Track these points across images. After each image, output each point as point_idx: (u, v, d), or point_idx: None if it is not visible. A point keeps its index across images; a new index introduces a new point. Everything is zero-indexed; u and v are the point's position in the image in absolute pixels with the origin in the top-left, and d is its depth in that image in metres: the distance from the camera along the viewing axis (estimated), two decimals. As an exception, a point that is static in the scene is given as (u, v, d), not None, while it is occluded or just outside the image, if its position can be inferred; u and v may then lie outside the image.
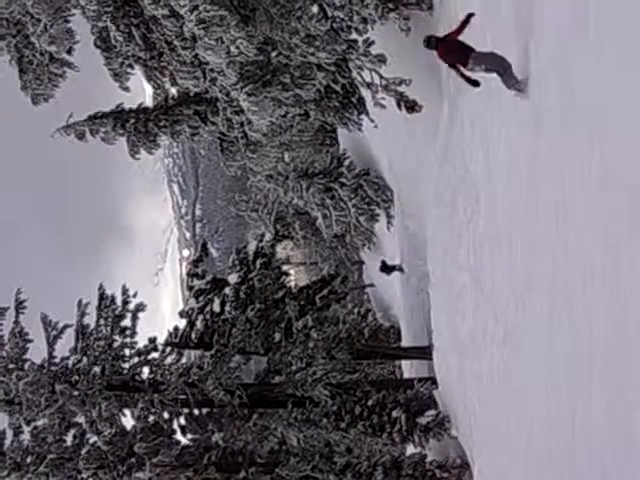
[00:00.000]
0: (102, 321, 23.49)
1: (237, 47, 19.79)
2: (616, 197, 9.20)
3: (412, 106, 21.24)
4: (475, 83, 13.80)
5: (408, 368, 33.90)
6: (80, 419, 22.61)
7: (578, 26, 10.64)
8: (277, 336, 25.50)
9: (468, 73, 13.48)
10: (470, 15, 13.93)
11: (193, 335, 25.94)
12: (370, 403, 23.54)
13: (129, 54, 22.51)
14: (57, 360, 23.07)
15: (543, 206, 12.48)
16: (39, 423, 22.52)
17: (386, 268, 37.15)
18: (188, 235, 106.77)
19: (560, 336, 11.40)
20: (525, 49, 13.59)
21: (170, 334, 25.97)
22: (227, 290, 26.67)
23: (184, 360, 24.18)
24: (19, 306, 23.34)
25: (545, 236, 12.33)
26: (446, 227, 22.11)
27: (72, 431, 22.58)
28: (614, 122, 9.37)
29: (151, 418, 22.76)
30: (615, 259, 9.22)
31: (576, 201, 10.71)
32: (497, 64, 13.06)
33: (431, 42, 13.70)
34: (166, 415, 22.98)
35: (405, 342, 33.78)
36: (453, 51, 13.31)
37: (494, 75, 13.62)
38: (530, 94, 13.38)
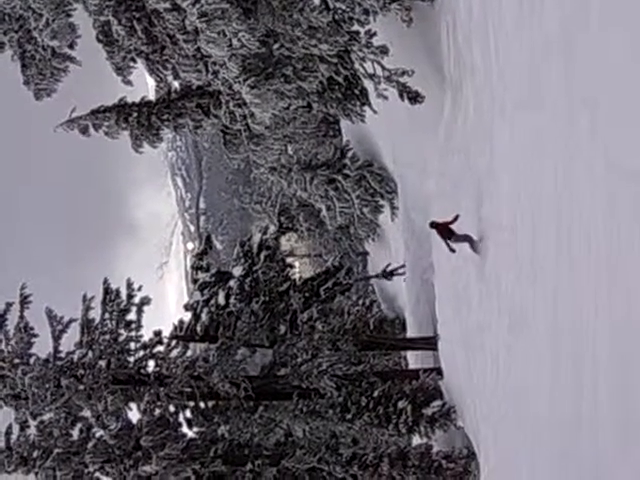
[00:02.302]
0: (107, 315, 23.50)
1: (239, 40, 19.75)
2: (619, 185, 9.19)
3: (414, 97, 21.20)
4: (452, 250, 20.43)
5: (413, 359, 33.89)
6: (86, 413, 22.65)
7: (580, 10, 10.61)
8: (282, 328, 25.50)
9: (451, 244, 20.39)
10: (457, 217, 19.81)
11: (198, 328, 25.95)
12: (376, 394, 23.55)
13: (131, 48, 22.47)
14: (63, 354, 23.09)
15: (546, 196, 12.47)
16: (45, 417, 22.58)
17: (387, 273, 37.63)
18: (192, 228, 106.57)
19: (565, 327, 11.40)
20: (524, 33, 13.59)
21: (175, 327, 25.98)
22: (232, 283, 26.67)
23: (189, 353, 24.19)
24: (24, 301, 23.37)
25: (549, 225, 12.32)
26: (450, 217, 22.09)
27: (78, 425, 22.62)
28: (617, 111, 9.35)
29: (157, 411, 22.79)
30: (619, 248, 9.21)
31: (580, 190, 10.70)
32: (465, 240, 19.80)
33: (433, 225, 20.44)
34: (172, 408, 23.02)
35: (410, 333, 33.75)
36: (444, 233, 20.21)
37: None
38: (532, 80, 13.38)
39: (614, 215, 9.34)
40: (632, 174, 8.75)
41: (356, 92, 24.70)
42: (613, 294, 9.37)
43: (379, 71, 20.95)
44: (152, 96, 28.16)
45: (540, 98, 12.89)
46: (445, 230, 20.22)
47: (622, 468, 9.04)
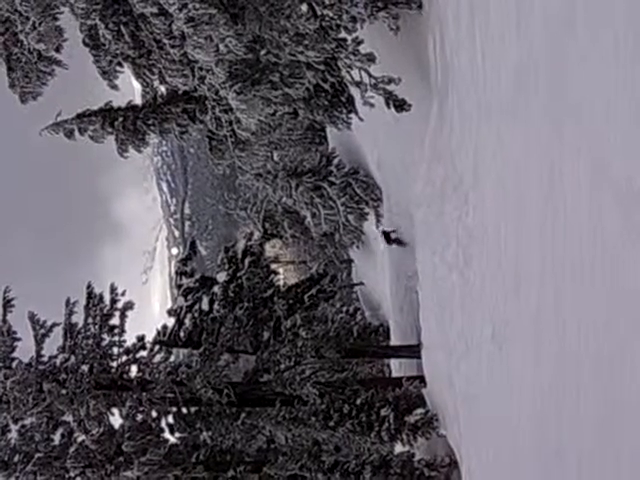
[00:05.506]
0: (90, 319, 23.43)
1: (226, 45, 19.72)
2: (604, 194, 9.22)
3: (401, 105, 21.20)
4: (392, 241, 29.98)
5: (397, 367, 33.93)
6: (68, 418, 22.56)
7: (567, 17, 10.64)
8: (266, 335, 25.47)
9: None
10: (393, 231, 29.61)
11: (182, 333, 25.89)
12: (359, 402, 23.53)
13: (118, 52, 22.41)
14: (45, 359, 23.00)
15: (532, 204, 12.50)
16: (27, 422, 22.47)
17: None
18: (177, 233, 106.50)
19: (549, 334, 11.43)
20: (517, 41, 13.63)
21: (159, 332, 25.90)
22: (216, 289, 26.64)
23: (172, 359, 24.17)
24: (7, 304, 23.27)
25: (534, 234, 12.35)
26: (435, 226, 22.14)
27: (60, 430, 22.53)
28: (603, 119, 9.38)
29: (139, 417, 22.72)
30: (603, 256, 9.24)
31: (565, 199, 10.73)
32: (397, 243, 29.38)
33: (384, 234, 29.05)
34: (154, 414, 22.94)
35: (394, 341, 33.76)
36: (387, 238, 30.30)
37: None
38: (519, 88, 13.42)
39: (599, 224, 9.37)
40: (619, 182, 8.78)
41: (342, 99, 24.72)
42: (597, 303, 9.40)
43: (366, 79, 20.95)
44: (138, 101, 28.09)
45: (526, 106, 12.92)
46: (386, 237, 30.06)
47: (604, 467, 9.08)
